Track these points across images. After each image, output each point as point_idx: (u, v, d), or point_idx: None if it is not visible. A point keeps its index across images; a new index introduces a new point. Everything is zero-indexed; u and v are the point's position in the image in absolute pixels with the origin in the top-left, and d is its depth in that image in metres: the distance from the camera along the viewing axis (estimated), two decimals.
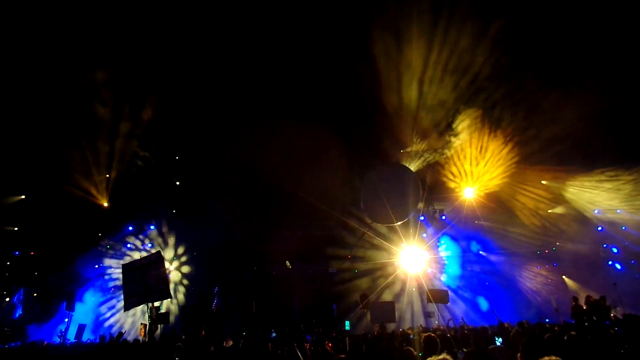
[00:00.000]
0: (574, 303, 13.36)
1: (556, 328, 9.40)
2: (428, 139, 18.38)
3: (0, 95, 14.93)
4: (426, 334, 5.66)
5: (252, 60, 16.47)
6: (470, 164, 18.23)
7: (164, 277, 10.21)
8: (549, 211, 19.53)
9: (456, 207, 20.00)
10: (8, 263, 17.26)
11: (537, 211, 19.07)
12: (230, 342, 10.71)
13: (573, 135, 14.96)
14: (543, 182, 18.80)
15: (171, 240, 19.89)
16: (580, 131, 14.68)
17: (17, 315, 16.10)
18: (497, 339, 7.44)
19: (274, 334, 14.50)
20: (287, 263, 19.91)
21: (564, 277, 20.56)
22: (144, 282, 10.06)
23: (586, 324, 11.74)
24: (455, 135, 17.61)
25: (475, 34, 13.75)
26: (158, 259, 10.46)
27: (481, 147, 17.50)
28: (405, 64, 15.12)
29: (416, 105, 16.42)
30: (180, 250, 19.98)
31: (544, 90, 14.74)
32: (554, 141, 15.57)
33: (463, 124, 17.07)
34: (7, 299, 16.60)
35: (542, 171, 17.79)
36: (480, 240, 20.78)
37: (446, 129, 17.60)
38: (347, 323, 16.98)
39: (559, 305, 17.46)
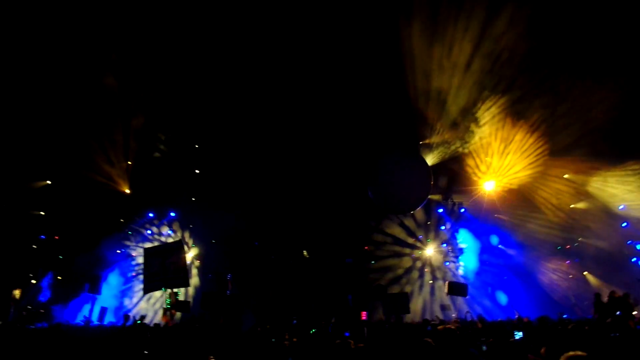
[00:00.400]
0: (596, 300, 13.08)
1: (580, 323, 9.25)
2: (449, 130, 18.12)
3: (29, 86, 15.35)
4: (443, 326, 5.63)
5: (274, 49, 16.46)
6: (492, 156, 17.93)
7: (183, 266, 10.40)
8: (572, 206, 19.14)
9: (476, 200, 19.77)
10: (35, 246, 17.80)
11: (559, 206, 18.70)
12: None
13: (601, 127, 14.53)
14: (565, 176, 18.42)
15: (190, 227, 20.22)
16: (609, 123, 14.26)
17: (45, 298, 16.61)
18: (516, 333, 7.36)
19: (295, 322, 14.66)
20: (305, 252, 20.04)
21: (585, 273, 20.15)
22: (164, 268, 10.28)
23: (609, 320, 11.51)
24: (478, 125, 17.32)
25: (504, 20, 13.42)
26: (179, 247, 10.67)
27: (505, 139, 17.15)
28: (431, 49, 14.85)
29: (439, 92, 16.17)
30: (199, 237, 20.27)
31: (573, 79, 14.31)
32: (581, 133, 15.16)
33: (487, 114, 16.74)
34: (34, 281, 17.11)
35: (566, 165, 17.35)
36: (499, 234, 20.49)
37: (469, 119, 17.30)
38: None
39: (580, 302, 17.19)
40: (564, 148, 16.22)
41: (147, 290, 11.49)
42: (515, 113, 16.34)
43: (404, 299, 14.58)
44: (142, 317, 11.22)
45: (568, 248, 20.67)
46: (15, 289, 16.00)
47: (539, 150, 16.83)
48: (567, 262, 20.78)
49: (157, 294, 18.45)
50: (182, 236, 19.95)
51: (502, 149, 17.51)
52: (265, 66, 16.96)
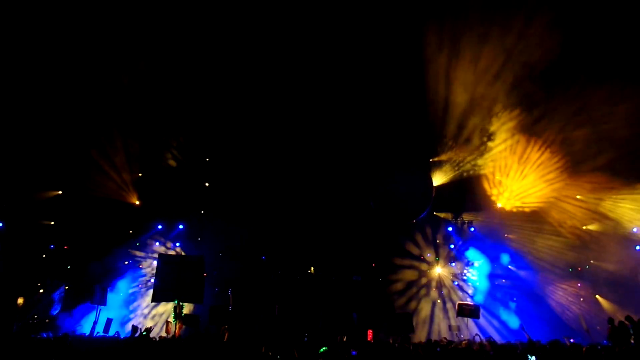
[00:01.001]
0: (609, 326, 12.76)
1: (598, 348, 9.00)
2: (462, 147, 18.06)
3: (41, 97, 15.62)
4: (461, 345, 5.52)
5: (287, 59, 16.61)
6: (505, 175, 17.79)
7: (201, 282, 10.27)
8: (584, 227, 18.87)
9: (486, 219, 19.60)
10: (44, 256, 17.90)
11: (571, 226, 18.45)
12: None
13: (620, 144, 14.26)
14: (578, 197, 18.21)
15: (198, 240, 20.22)
16: (629, 140, 13.98)
17: (55, 311, 16.61)
18: (530, 357, 7.18)
19: (306, 339, 14.51)
20: (312, 268, 19.91)
21: (597, 296, 19.74)
22: (180, 280, 10.14)
23: (624, 347, 11.20)
24: (492, 142, 17.22)
25: (524, 33, 13.36)
26: (199, 262, 10.55)
27: (519, 157, 16.98)
28: (449, 61, 14.87)
29: (454, 106, 16.14)
30: (205, 250, 20.22)
31: (593, 93, 14.08)
32: (599, 150, 14.92)
33: (501, 130, 16.63)
34: (41, 291, 17.12)
35: (581, 183, 17.08)
36: (509, 253, 20.21)
37: (482, 135, 17.23)
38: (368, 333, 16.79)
39: (590, 326, 16.78)
40: (579, 166, 15.97)
41: (156, 299, 11.35)
42: (531, 130, 16.18)
43: (407, 319, 14.45)
44: (149, 330, 11.11)
45: (580, 270, 20.32)
46: (19, 297, 16.01)
47: (553, 168, 16.62)
48: (579, 284, 20.40)
49: (160, 306, 18.40)
50: (190, 248, 19.94)
51: (516, 167, 17.34)
52: (277, 78, 17.09)
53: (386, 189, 16.26)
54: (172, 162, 19.39)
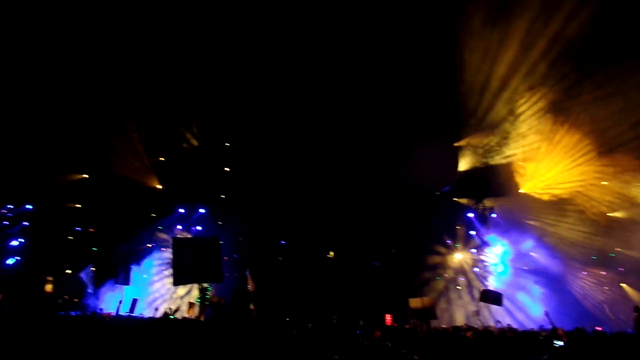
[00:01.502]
0: (636, 314, 12.51)
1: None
2: (486, 130, 17.73)
3: (67, 85, 15.90)
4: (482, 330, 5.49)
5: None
6: (531, 159, 17.41)
7: (218, 261, 10.36)
8: (609, 214, 18.42)
9: (508, 205, 19.30)
10: (71, 238, 18.42)
11: (596, 213, 18.01)
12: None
13: None
14: (604, 183, 17.75)
15: (219, 225, 20.49)
16: None
17: (89, 290, 17.09)
18: (555, 342, 7.09)
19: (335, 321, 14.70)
20: (331, 253, 20.00)
21: (623, 285, 19.34)
22: (197, 262, 10.25)
23: None
24: (517, 124, 16.83)
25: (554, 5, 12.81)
26: (214, 243, 10.63)
27: (546, 139, 16.50)
28: (478, 38, 14.44)
29: (480, 84, 15.72)
30: (227, 234, 20.50)
31: (626, 67, 13.39)
32: (630, 129, 14.36)
33: (527, 111, 16.18)
34: (69, 271, 17.65)
35: (609, 167, 16.54)
36: (531, 240, 19.88)
37: (508, 116, 16.85)
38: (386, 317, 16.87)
39: (616, 315, 16.50)
40: (608, 148, 15.44)
41: (177, 282, 11.49)
42: (560, 110, 15.67)
43: (431, 305, 14.38)
44: (176, 310, 11.36)
45: (605, 258, 19.88)
46: (48, 281, 16.51)
47: (581, 150, 16.13)
48: (603, 272, 20.00)
49: (182, 288, 18.78)
50: (212, 232, 20.21)
51: (543, 149, 16.89)
52: (298, 55, 16.96)
53: (414, 161, 16.29)
54: (193, 145, 19.58)
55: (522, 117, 16.71)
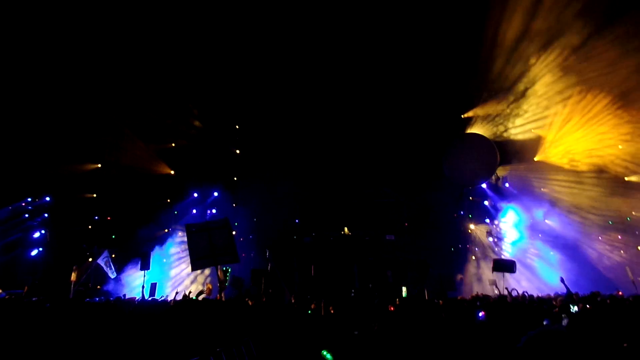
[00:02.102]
0: None
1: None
2: (498, 97, 17.48)
3: (79, 75, 16.05)
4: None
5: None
6: (546, 124, 17.12)
7: (232, 242, 10.54)
8: (626, 179, 18.16)
9: (522, 173, 19.13)
10: (90, 227, 18.84)
11: (611, 177, 17.78)
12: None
13: None
14: (620, 147, 17.46)
15: (233, 207, 20.75)
16: None
17: (112, 274, 17.48)
18: (572, 306, 7.16)
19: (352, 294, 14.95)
20: (346, 229, 20.14)
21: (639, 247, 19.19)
22: (212, 245, 10.46)
23: None
24: (532, 87, 16.49)
25: None
26: (225, 224, 10.83)
27: (560, 97, 16.13)
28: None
29: (492, 47, 15.38)
30: (242, 216, 20.77)
31: None
32: None
33: (542, 72, 15.80)
34: (90, 259, 18.09)
35: (623, 125, 16.16)
36: (546, 207, 19.74)
37: (520, 81, 16.54)
38: (403, 290, 17.08)
39: (636, 277, 16.39)
40: (626, 102, 15.02)
41: (195, 267, 11.75)
42: (575, 70, 15.24)
43: (449, 277, 14.47)
44: (200, 293, 11.61)
45: (621, 223, 19.68)
46: (73, 269, 16.95)
47: (598, 113, 15.76)
48: (619, 236, 19.84)
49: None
50: (226, 214, 20.49)
51: (557, 114, 16.55)
52: (310, 38, 16.85)
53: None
54: (203, 129, 19.69)
55: (536, 79, 16.36)
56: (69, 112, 16.69)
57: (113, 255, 18.21)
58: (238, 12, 16.73)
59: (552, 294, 14.34)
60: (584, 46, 14.44)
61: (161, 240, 19.25)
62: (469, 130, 19.26)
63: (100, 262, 16.92)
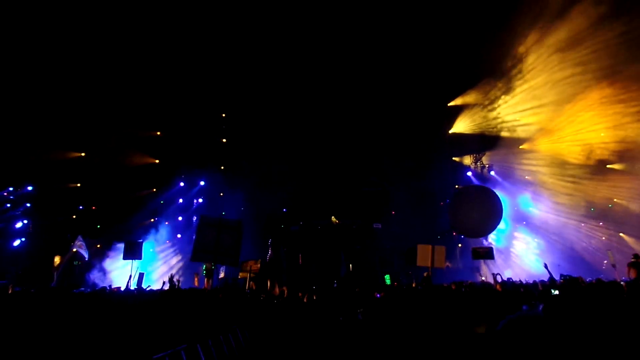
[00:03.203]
0: (633, 259, 12.71)
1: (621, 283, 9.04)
2: (480, 88, 17.57)
3: (62, 62, 15.73)
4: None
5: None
6: (525, 112, 17.29)
7: (238, 245, 10.53)
8: (608, 166, 18.49)
9: (507, 161, 19.35)
10: (74, 217, 18.59)
11: (593, 165, 18.10)
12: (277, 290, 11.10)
13: None
14: (602, 134, 17.75)
15: (220, 196, 20.65)
16: None
17: (85, 258, 17.31)
18: (552, 290, 7.31)
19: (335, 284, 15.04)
20: (333, 218, 20.22)
21: (621, 234, 19.61)
22: (217, 242, 10.45)
23: None
24: (522, 67, 16.58)
25: None
26: (238, 227, 10.80)
27: (549, 80, 16.26)
28: None
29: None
30: (228, 205, 20.70)
31: None
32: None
33: (531, 51, 15.84)
34: (74, 250, 17.89)
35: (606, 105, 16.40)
36: (530, 195, 20.04)
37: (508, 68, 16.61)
38: (386, 277, 17.22)
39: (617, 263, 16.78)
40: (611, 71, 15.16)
41: (195, 258, 11.73)
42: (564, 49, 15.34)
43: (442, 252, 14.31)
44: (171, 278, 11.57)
45: (602, 210, 20.06)
46: (55, 260, 16.77)
47: (585, 93, 15.91)
48: (601, 223, 20.25)
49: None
50: (212, 204, 20.45)
51: (544, 100, 16.69)
52: (297, 32, 16.74)
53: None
54: (189, 118, 19.49)
55: (524, 67, 16.47)
56: (51, 100, 16.38)
57: (98, 246, 18.05)
58: (224, 2, 16.53)
59: (537, 281, 14.63)
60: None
61: (147, 230, 19.11)
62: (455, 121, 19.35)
63: (82, 251, 16.78)
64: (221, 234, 10.21)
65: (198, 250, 10.35)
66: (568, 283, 8.58)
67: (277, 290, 10.57)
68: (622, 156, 17.86)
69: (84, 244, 17.11)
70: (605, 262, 17.35)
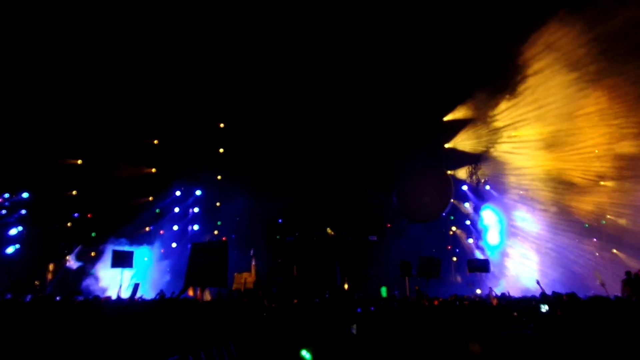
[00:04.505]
0: (626, 277, 12.83)
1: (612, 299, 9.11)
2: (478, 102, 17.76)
3: (60, 68, 15.81)
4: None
5: None
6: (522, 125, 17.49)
7: (224, 267, 10.56)
8: (602, 184, 18.70)
9: (502, 176, 19.52)
10: (69, 224, 18.54)
11: (589, 181, 18.29)
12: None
13: None
14: (596, 151, 18.00)
15: (217, 206, 20.68)
16: None
17: (78, 273, 17.22)
18: (542, 305, 7.35)
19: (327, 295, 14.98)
20: (329, 230, 20.22)
21: (614, 250, 19.72)
22: (206, 265, 10.50)
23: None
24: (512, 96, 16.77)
25: None
26: (222, 247, 10.86)
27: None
28: None
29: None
30: (225, 215, 20.71)
31: None
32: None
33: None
34: (68, 258, 17.80)
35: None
36: (525, 210, 20.14)
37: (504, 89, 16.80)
38: (383, 289, 17.19)
39: (607, 281, 16.86)
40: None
41: (187, 284, 11.76)
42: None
43: (436, 263, 14.27)
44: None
45: (596, 226, 20.19)
46: (50, 264, 16.69)
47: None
48: (594, 239, 20.36)
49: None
50: (208, 214, 20.45)
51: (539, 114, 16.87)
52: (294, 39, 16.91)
53: (408, 190, 16.67)
54: (186, 127, 19.58)
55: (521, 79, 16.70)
56: (49, 106, 16.45)
57: (92, 254, 17.96)
58: (223, 8, 16.71)
59: (529, 296, 14.66)
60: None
61: (142, 238, 19.05)
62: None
63: (73, 259, 16.76)
64: (209, 257, 10.26)
65: (189, 277, 10.41)
66: (561, 301, 8.66)
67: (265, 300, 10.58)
68: (617, 172, 18.08)
69: (77, 253, 17.08)
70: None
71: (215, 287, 13.43)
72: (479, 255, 19.76)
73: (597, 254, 20.09)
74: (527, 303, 10.43)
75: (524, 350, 2.91)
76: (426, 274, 13.73)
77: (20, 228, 17.43)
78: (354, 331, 6.41)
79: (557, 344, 3.40)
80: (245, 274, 14.84)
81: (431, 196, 16.12)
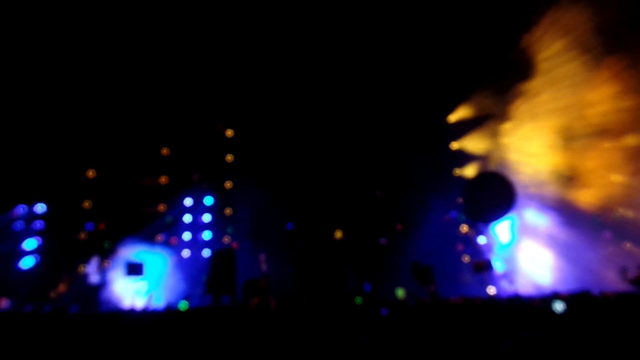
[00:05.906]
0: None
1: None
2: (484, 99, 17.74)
3: (82, 85, 16.04)
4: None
5: None
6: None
7: (232, 276, 10.66)
8: (615, 177, 18.51)
9: (510, 172, 19.46)
10: (83, 235, 18.82)
11: (600, 176, 18.13)
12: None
13: None
14: (606, 145, 17.85)
15: (226, 213, 20.85)
16: None
17: (93, 284, 17.43)
18: (554, 302, 7.32)
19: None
20: (338, 233, 20.26)
21: (628, 244, 19.48)
22: (219, 275, 10.64)
23: None
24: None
25: None
26: (230, 255, 10.99)
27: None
28: None
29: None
30: (237, 222, 20.84)
31: None
32: None
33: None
34: (82, 268, 18.07)
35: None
36: (537, 208, 20.00)
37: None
38: (399, 291, 17.18)
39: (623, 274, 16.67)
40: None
41: (207, 292, 11.88)
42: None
43: (429, 272, 14.46)
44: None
45: (609, 219, 19.94)
46: (64, 279, 16.94)
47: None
48: (607, 233, 20.10)
49: None
50: (219, 221, 20.63)
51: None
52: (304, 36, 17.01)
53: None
54: (196, 135, 19.78)
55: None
56: (62, 117, 16.75)
57: (105, 264, 18.20)
58: (229, 13, 16.86)
59: (539, 294, 14.56)
60: None
61: (155, 249, 19.25)
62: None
63: (90, 270, 16.99)
64: (222, 267, 10.41)
65: (208, 284, 10.57)
66: (575, 299, 8.64)
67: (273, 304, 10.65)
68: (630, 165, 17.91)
69: (95, 265, 17.31)
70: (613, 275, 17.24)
71: (224, 294, 13.55)
72: (488, 254, 19.66)
73: (612, 247, 19.86)
74: (541, 302, 10.37)
75: (538, 353, 2.93)
76: (421, 282, 13.92)
77: (37, 240, 17.75)
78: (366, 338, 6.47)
79: (571, 348, 3.41)
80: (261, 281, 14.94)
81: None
